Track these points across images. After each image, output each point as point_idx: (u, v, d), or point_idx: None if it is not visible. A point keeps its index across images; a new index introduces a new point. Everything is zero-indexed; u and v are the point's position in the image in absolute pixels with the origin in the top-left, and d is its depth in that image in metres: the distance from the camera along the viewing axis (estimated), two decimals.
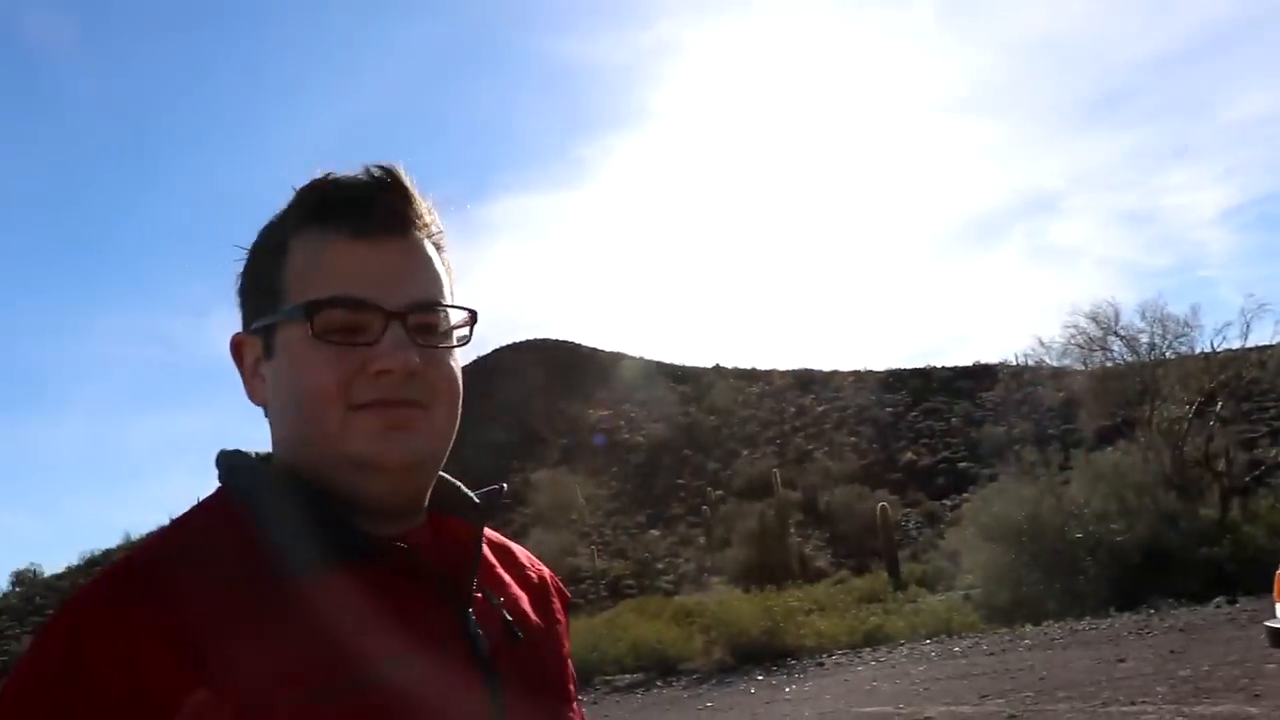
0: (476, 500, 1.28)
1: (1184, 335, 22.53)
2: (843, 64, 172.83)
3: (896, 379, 70.30)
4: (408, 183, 1.21)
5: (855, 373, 74.03)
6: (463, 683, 1.13)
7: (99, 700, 0.96)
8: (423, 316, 1.17)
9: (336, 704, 1.01)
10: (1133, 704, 9.54)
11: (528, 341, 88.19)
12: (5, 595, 67.99)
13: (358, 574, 1.10)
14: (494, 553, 1.34)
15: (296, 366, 1.15)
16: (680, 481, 59.28)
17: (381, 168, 1.20)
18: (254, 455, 1.23)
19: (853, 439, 61.37)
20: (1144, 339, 22.83)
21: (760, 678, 16.33)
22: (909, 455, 56.67)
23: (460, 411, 1.23)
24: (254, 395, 1.22)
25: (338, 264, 1.15)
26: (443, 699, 1.09)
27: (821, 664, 17.22)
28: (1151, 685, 10.26)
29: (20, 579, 70.50)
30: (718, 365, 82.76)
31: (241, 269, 1.25)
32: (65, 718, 0.96)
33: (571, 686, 1.34)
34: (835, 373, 75.25)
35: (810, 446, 61.33)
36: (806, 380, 74.66)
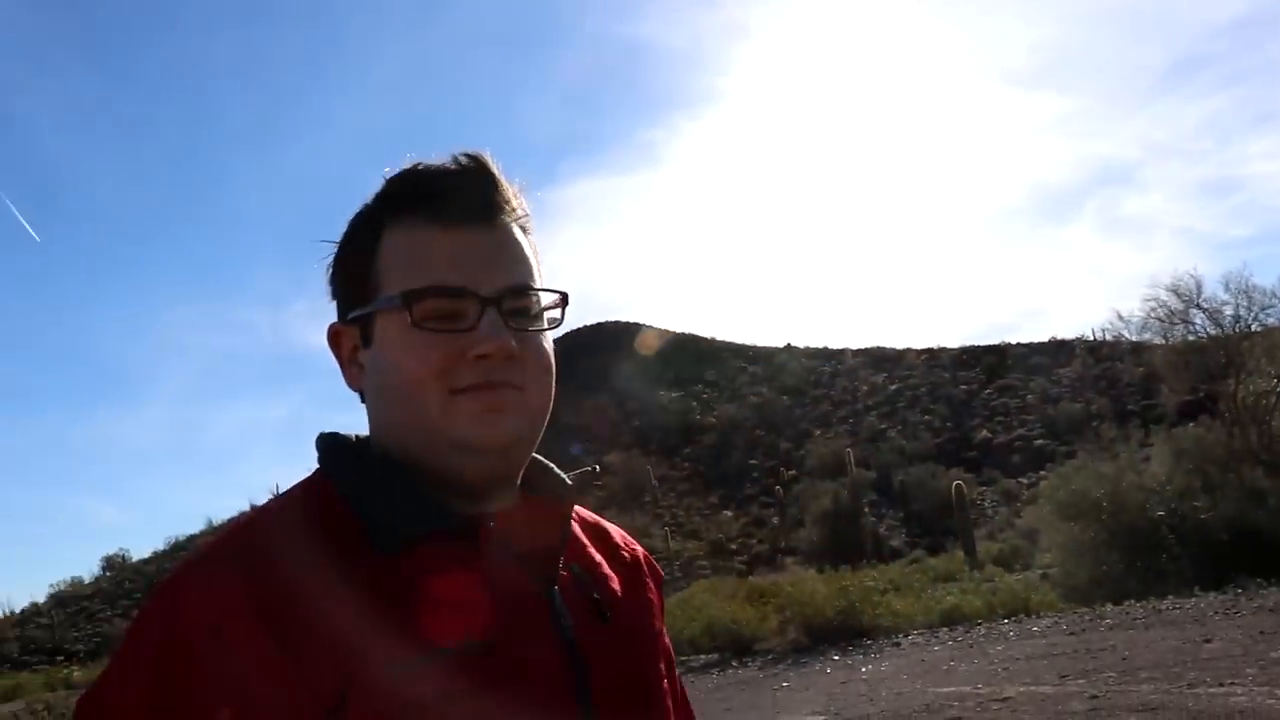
0: (568, 480, 1.29)
1: (1271, 306, 21.92)
2: (909, 39, 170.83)
3: (970, 356, 69.52)
4: (495, 169, 1.23)
5: (928, 350, 73.37)
6: (545, 663, 1.14)
7: (193, 667, 0.99)
8: (516, 301, 1.20)
9: (420, 679, 1.03)
10: (1221, 685, 9.30)
11: (597, 325, 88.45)
12: (96, 580, 70.27)
13: (447, 552, 1.13)
14: (587, 532, 1.36)
15: (397, 354, 1.17)
16: (753, 462, 59.23)
17: (469, 155, 1.22)
18: (352, 437, 1.26)
19: (926, 417, 60.88)
20: (1228, 311, 22.26)
21: (836, 658, 16.26)
22: (984, 433, 56.04)
23: (553, 391, 1.25)
24: (352, 382, 1.26)
25: (431, 252, 1.18)
26: (525, 678, 1.11)
27: (897, 644, 17.09)
28: (1241, 667, 9.98)
29: (110, 564, 72.86)
30: (789, 345, 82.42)
31: (333, 260, 1.28)
32: (163, 683, 1.00)
33: (663, 665, 1.34)
34: (908, 350, 74.66)
35: (883, 425, 60.99)
36: (879, 358, 74.18)
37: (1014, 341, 70.56)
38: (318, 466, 1.23)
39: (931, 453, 51.85)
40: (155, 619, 1.05)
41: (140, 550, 76.01)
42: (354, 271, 1.23)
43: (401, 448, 1.18)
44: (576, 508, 1.34)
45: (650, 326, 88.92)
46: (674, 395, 71.55)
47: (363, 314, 1.21)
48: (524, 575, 1.19)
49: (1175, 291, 22.52)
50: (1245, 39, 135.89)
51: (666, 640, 1.40)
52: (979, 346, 71.16)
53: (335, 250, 1.28)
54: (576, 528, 1.32)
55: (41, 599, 67.11)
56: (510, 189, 1.24)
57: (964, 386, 63.83)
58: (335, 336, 1.27)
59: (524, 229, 1.25)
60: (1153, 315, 22.90)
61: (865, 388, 68.78)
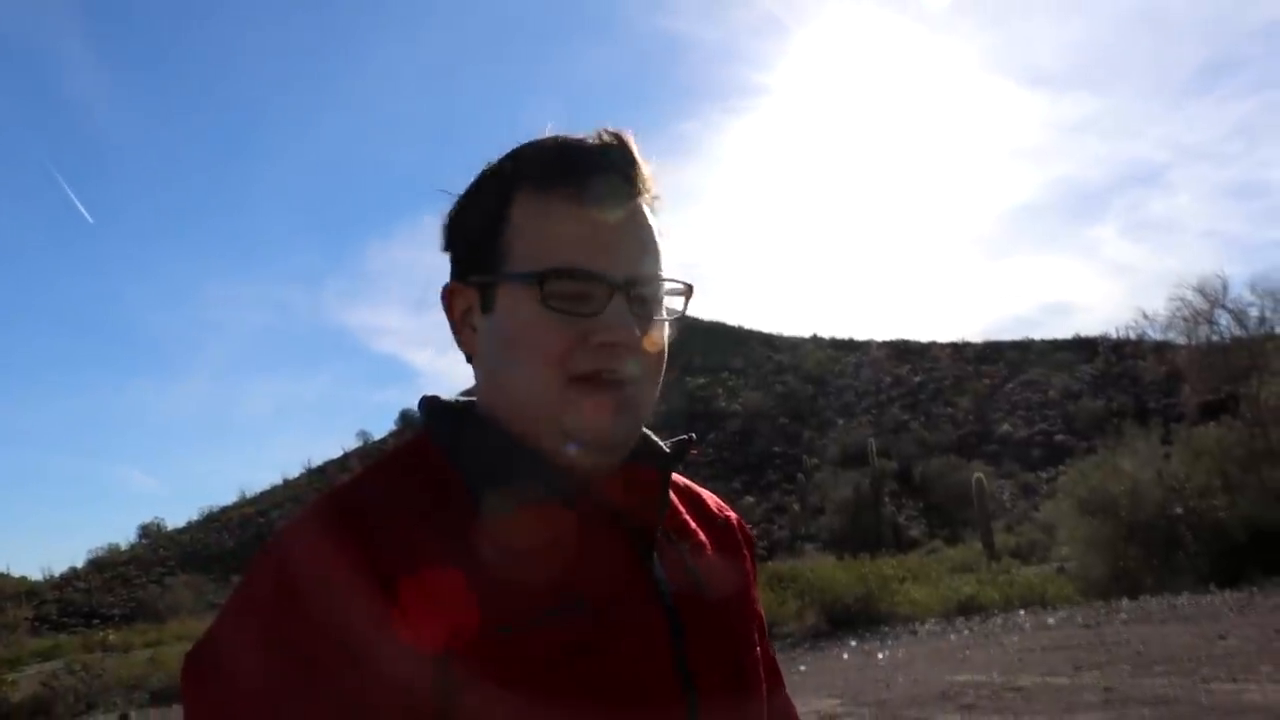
0: (666, 449, 1.27)
1: None
2: (941, 39, 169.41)
3: (994, 350, 69.28)
4: (635, 150, 1.20)
5: (952, 344, 73.08)
6: (646, 627, 1.14)
7: (303, 613, 1.00)
8: (643, 288, 1.17)
9: (519, 640, 1.04)
10: (1234, 681, 9.33)
11: None
12: (133, 547, 71.07)
13: (548, 517, 1.13)
14: (681, 498, 1.35)
15: (521, 330, 1.14)
16: (776, 449, 59.27)
17: (612, 133, 1.19)
18: (455, 401, 1.25)
19: (949, 409, 60.78)
20: (1253, 312, 22.26)
21: (854, 644, 16.41)
22: (1005, 427, 55.95)
23: (661, 383, 1.23)
24: (462, 344, 1.23)
25: (566, 230, 1.15)
26: (625, 641, 1.11)
27: (915, 632, 17.27)
28: (1255, 663, 10.02)
29: (146, 532, 73.72)
30: (815, 335, 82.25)
31: (453, 214, 1.24)
32: (274, 639, 1.00)
33: (756, 634, 1.34)
34: (933, 344, 74.38)
35: (906, 417, 60.88)
36: (903, 351, 73.94)
37: (1038, 338, 70.36)
38: (422, 428, 1.23)
39: (953, 445, 51.84)
40: (265, 570, 1.05)
41: (175, 519, 77.25)
42: (479, 233, 1.19)
43: (509, 418, 1.17)
44: (674, 475, 1.32)
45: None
46: (700, 381, 71.58)
47: (486, 281, 1.18)
48: (624, 541, 1.18)
49: (1201, 291, 22.53)
50: (1277, 42, 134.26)
51: (759, 606, 1.40)
52: (1003, 341, 70.99)
53: (458, 204, 1.24)
54: (672, 494, 1.31)
55: (80, 564, 68.25)
56: (648, 171, 1.20)
57: (987, 380, 63.67)
58: (450, 295, 1.22)
59: (655, 212, 1.22)
60: (1178, 314, 22.92)
61: (889, 379, 68.67)
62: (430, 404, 1.25)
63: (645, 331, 1.16)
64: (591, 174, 1.16)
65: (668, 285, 1.20)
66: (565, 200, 1.15)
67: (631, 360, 1.15)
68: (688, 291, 1.22)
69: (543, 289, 1.13)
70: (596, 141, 1.18)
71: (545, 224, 1.15)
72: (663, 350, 1.21)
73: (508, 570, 1.07)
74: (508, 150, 1.22)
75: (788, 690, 1.47)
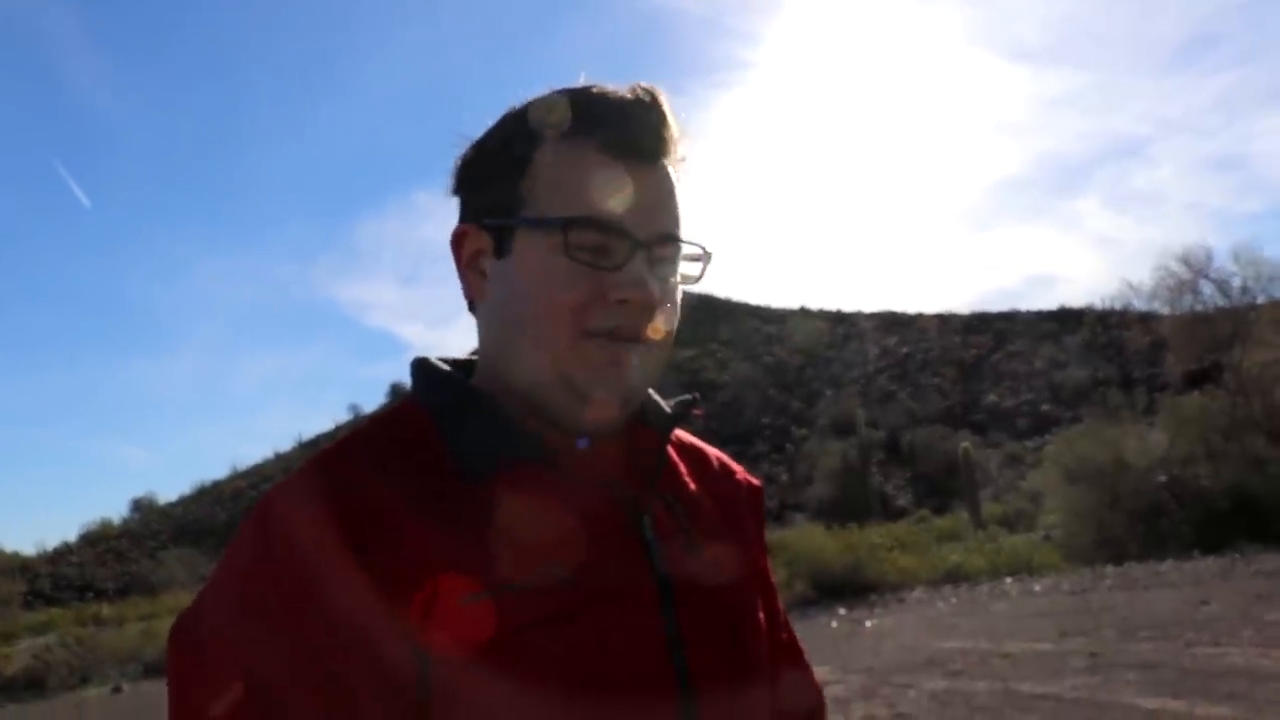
0: (668, 409, 1.23)
1: (1278, 278, 22.03)
2: (926, 14, 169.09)
3: (981, 322, 69.47)
4: (668, 109, 1.16)
5: (940, 315, 73.24)
6: (633, 596, 1.10)
7: (282, 590, 0.99)
8: (664, 249, 1.14)
9: (496, 608, 1.01)
10: (1217, 645, 9.49)
11: None
12: (125, 521, 71.04)
13: (533, 480, 1.09)
14: (684, 458, 1.30)
15: (538, 277, 1.11)
16: (765, 420, 59.44)
17: (645, 88, 1.15)
18: (445, 364, 1.22)
19: (936, 380, 60.98)
20: (1236, 282, 22.37)
21: (842, 612, 16.59)
22: (991, 397, 56.18)
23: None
24: (470, 290, 1.18)
25: (593, 180, 1.11)
26: (610, 610, 1.07)
27: (902, 600, 17.45)
28: (1237, 628, 10.19)
29: (138, 506, 73.68)
30: (804, 307, 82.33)
31: (469, 158, 1.20)
32: (252, 606, 1.00)
33: (764, 604, 1.30)
34: (920, 315, 74.53)
35: (894, 388, 61.07)
36: (891, 322, 74.06)
37: (1024, 309, 70.61)
38: (411, 391, 1.20)
39: (940, 415, 52.06)
40: (245, 537, 1.04)
41: (168, 493, 77.12)
42: (499, 175, 1.15)
43: (513, 369, 1.13)
44: (677, 432, 1.28)
45: None
46: (689, 353, 71.63)
47: (503, 224, 1.14)
48: (615, 504, 1.14)
49: (1186, 261, 22.64)
50: (1256, 17, 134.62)
51: (770, 574, 1.36)
52: (990, 313, 71.25)
53: (476, 146, 1.19)
54: (674, 454, 1.26)
55: (73, 538, 68.19)
56: (678, 131, 1.16)
57: (974, 351, 63.87)
58: (461, 237, 1.18)
59: (680, 175, 1.17)
60: (1162, 284, 23.03)
61: (877, 350, 68.83)
62: (420, 366, 1.21)
63: (664, 293, 1.13)
64: (624, 126, 1.12)
65: (686, 249, 1.17)
66: (595, 150, 1.11)
67: (644, 319, 1.11)
68: (706, 258, 1.18)
69: (565, 237, 1.09)
70: (631, 95, 1.14)
71: (572, 172, 1.11)
72: (675, 315, 1.17)
73: (490, 537, 1.05)
74: (533, 97, 1.17)
75: (809, 665, 1.42)
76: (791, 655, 1.39)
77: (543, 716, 1.02)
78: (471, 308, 1.20)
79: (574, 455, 1.14)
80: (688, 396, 1.26)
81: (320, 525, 1.00)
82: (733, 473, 1.37)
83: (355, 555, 0.98)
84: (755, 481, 1.41)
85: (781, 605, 1.39)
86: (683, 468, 1.28)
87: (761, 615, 1.28)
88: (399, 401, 1.19)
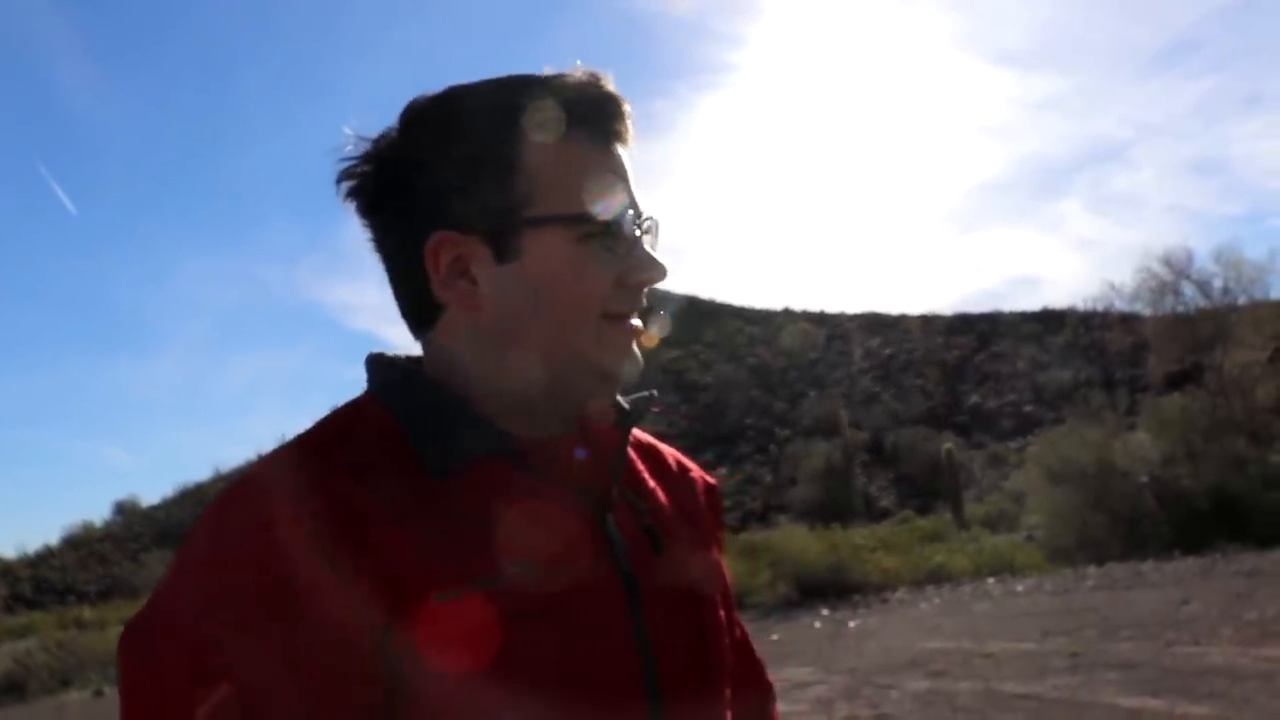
0: (626, 405, 1.23)
1: (1258, 280, 22.16)
2: (909, 18, 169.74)
3: (964, 323, 69.69)
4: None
5: (923, 317, 73.44)
6: (598, 592, 1.10)
7: (242, 582, 0.96)
8: (654, 231, 1.18)
9: (460, 606, 0.99)
10: (1197, 644, 9.54)
11: None
12: (107, 524, 70.55)
13: (498, 476, 1.09)
14: (642, 456, 1.29)
15: (559, 272, 1.10)
16: (748, 421, 59.49)
17: (596, 71, 1.15)
18: (402, 359, 1.20)
19: (919, 381, 61.15)
20: (1217, 283, 22.51)
21: (825, 612, 16.50)
22: (974, 398, 56.40)
23: None
24: (446, 299, 1.13)
25: (593, 171, 1.12)
26: (575, 607, 1.06)
27: (885, 600, 17.41)
28: (1217, 627, 10.25)
29: (121, 509, 73.11)
30: (788, 308, 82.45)
31: (420, 160, 1.13)
32: (211, 596, 0.97)
33: (719, 598, 1.29)
34: (903, 316, 74.70)
35: (877, 389, 61.22)
36: (875, 323, 74.20)
37: (1007, 310, 70.88)
38: (367, 386, 1.17)
39: (923, 416, 52.21)
40: (207, 524, 1.02)
41: (150, 496, 76.26)
42: (487, 178, 1.11)
43: (511, 371, 1.12)
44: (634, 431, 1.25)
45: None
46: (672, 355, 71.64)
47: (503, 226, 1.10)
48: (578, 502, 1.13)
49: (1167, 263, 22.75)
50: (1235, 23, 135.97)
51: (724, 569, 1.35)
52: (973, 314, 71.43)
53: (435, 151, 1.13)
54: (632, 453, 1.25)
55: (54, 541, 67.67)
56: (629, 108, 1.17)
57: (957, 352, 64.06)
58: (443, 246, 1.11)
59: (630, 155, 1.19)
60: (1144, 286, 23.13)
61: (861, 351, 68.95)
62: (377, 360, 1.18)
63: None
64: (606, 115, 1.14)
65: (651, 224, 1.18)
66: (587, 141, 1.13)
67: (641, 301, 1.16)
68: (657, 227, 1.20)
69: (584, 230, 1.10)
70: (598, 81, 1.14)
71: (572, 166, 1.11)
72: None
73: (462, 534, 1.04)
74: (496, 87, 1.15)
75: (760, 660, 1.44)
76: (744, 651, 1.40)
77: (516, 714, 1.01)
78: (423, 320, 1.16)
79: (542, 453, 1.13)
80: (645, 393, 1.25)
81: (294, 523, 0.98)
82: (689, 471, 1.37)
83: (330, 553, 0.97)
84: (712, 480, 1.41)
85: (733, 600, 1.38)
86: (641, 466, 1.27)
87: (722, 614, 1.28)
88: (358, 397, 1.17)
